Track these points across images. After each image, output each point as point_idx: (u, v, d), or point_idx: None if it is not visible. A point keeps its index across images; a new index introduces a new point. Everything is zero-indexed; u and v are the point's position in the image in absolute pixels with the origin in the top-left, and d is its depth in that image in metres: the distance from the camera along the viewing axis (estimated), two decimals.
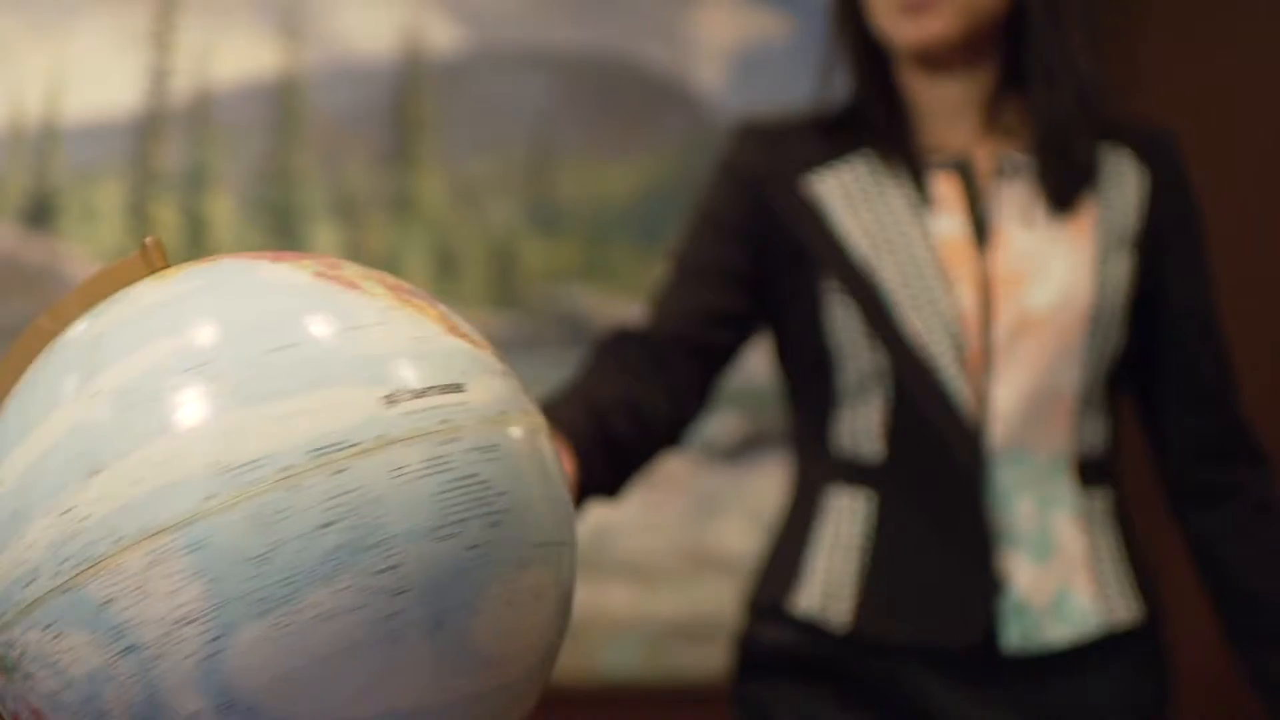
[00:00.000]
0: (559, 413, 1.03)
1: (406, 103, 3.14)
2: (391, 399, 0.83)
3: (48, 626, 0.82)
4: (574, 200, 3.17)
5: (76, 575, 0.81)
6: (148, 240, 0.92)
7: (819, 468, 1.73)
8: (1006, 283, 1.66)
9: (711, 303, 1.71)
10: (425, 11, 3.16)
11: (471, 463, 0.84)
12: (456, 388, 0.86)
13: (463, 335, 0.90)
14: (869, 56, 1.73)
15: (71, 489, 0.82)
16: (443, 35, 3.16)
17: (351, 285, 0.88)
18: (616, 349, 1.67)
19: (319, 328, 0.85)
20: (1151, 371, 1.75)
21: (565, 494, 0.93)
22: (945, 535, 1.67)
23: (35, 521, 0.82)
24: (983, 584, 1.64)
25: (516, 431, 0.88)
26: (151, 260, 0.92)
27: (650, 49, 3.22)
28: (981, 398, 1.65)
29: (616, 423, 1.55)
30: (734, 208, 1.74)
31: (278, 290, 0.87)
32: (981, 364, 1.65)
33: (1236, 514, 1.73)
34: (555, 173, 3.20)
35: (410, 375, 0.85)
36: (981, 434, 1.65)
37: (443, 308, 0.92)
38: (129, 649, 0.80)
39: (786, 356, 1.77)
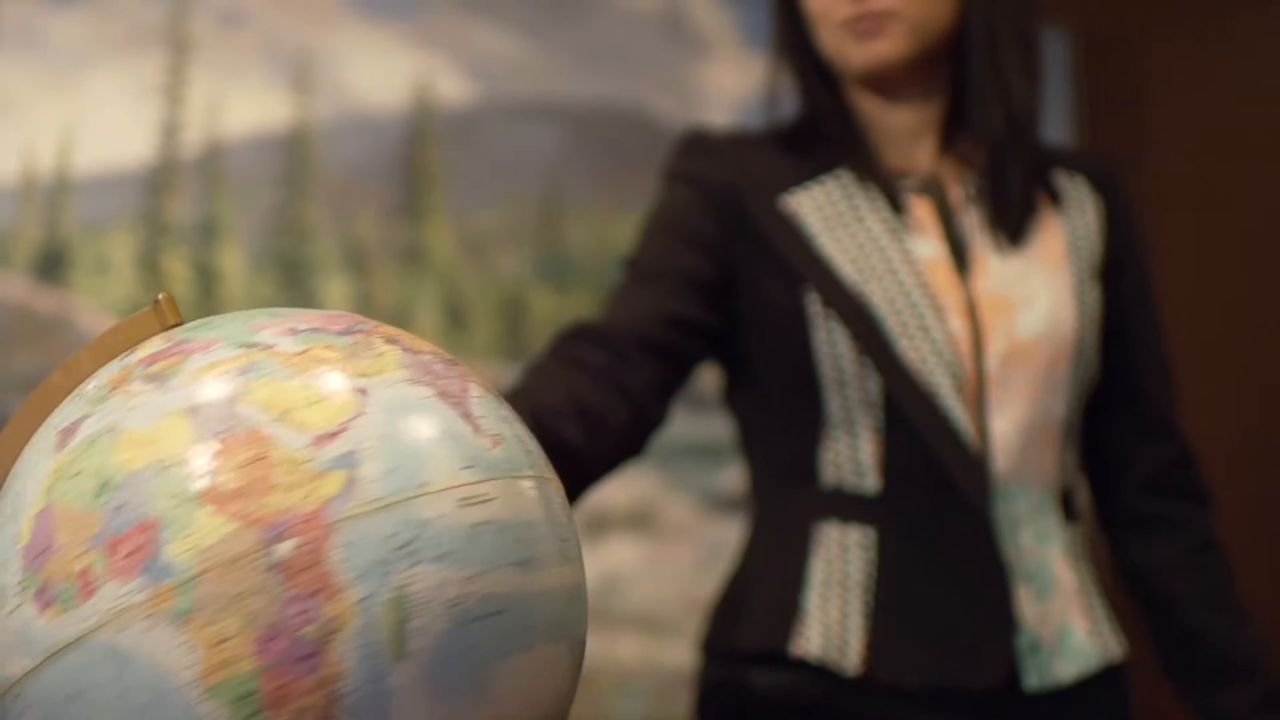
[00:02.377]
0: None
1: (416, 155, 3.15)
2: None
3: None
4: (583, 251, 3.18)
5: None
6: (160, 296, 0.93)
7: (800, 502, 1.64)
8: (993, 310, 1.61)
9: (675, 308, 1.60)
10: (435, 64, 3.18)
11: None
12: None
13: None
14: (819, 78, 1.71)
15: None
16: (452, 88, 3.18)
17: None
18: (569, 348, 1.52)
19: None
20: (1102, 400, 1.73)
21: None
22: (956, 572, 1.59)
23: None
24: (1002, 622, 1.58)
25: None
26: (164, 316, 0.93)
27: (659, 100, 3.24)
28: (980, 428, 1.59)
29: (566, 430, 1.40)
30: (701, 218, 1.65)
31: None
32: (976, 393, 1.59)
33: (1180, 549, 1.71)
34: (564, 224, 3.22)
35: None
36: (986, 466, 1.59)
37: None
38: None
39: (756, 382, 1.68)
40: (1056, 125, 3.59)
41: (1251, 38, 3.93)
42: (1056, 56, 3.67)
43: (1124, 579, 1.74)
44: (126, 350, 0.92)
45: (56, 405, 0.91)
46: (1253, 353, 3.80)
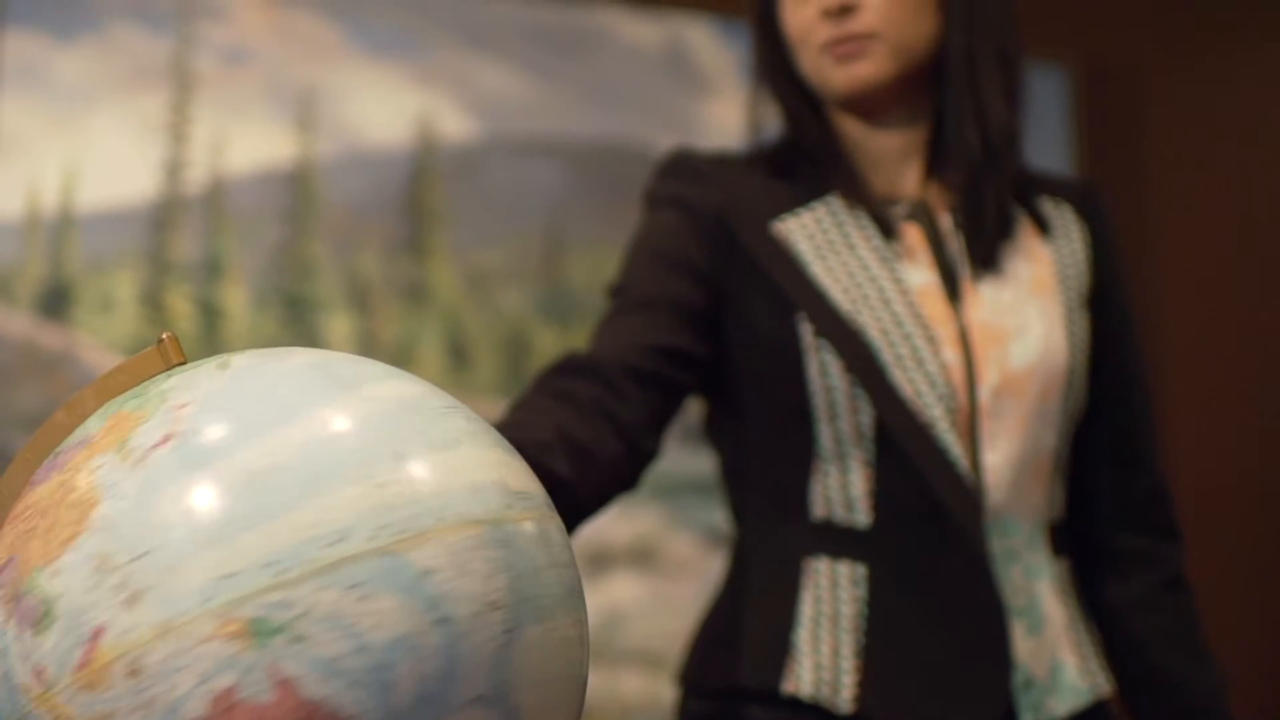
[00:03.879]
0: None
1: (419, 192, 3.16)
2: None
3: (353, 586, 0.81)
4: (586, 288, 3.18)
5: (397, 542, 0.83)
6: (164, 335, 0.93)
7: (789, 536, 1.59)
8: (985, 340, 1.57)
9: (665, 338, 1.54)
10: (438, 102, 3.19)
11: None
12: None
13: None
14: (803, 102, 1.69)
15: (382, 466, 0.85)
16: (455, 125, 3.19)
17: None
18: (556, 382, 1.45)
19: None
20: (1081, 430, 1.69)
21: None
22: (950, 609, 1.54)
23: (342, 490, 0.83)
24: (1000, 660, 1.53)
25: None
26: (168, 355, 0.93)
27: (661, 137, 3.25)
28: (973, 462, 1.55)
29: (556, 463, 1.31)
30: (689, 244, 1.61)
31: None
32: (969, 426, 1.55)
33: (1150, 587, 1.68)
34: (567, 261, 3.22)
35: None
36: (981, 500, 1.54)
37: None
38: (443, 620, 0.83)
39: (743, 412, 1.62)
40: (1057, 160, 3.60)
41: (1253, 74, 3.94)
42: (1057, 92, 3.67)
43: (1093, 613, 1.71)
44: (130, 389, 0.92)
45: (60, 444, 0.91)
46: (1255, 386, 3.80)
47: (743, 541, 1.66)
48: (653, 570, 3.15)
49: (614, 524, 3.12)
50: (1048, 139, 3.62)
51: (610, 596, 3.11)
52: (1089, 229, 1.72)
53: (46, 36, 2.97)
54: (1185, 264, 3.78)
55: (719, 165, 1.68)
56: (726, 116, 3.37)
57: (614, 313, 1.58)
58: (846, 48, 1.60)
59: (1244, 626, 3.54)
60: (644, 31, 3.37)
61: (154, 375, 0.93)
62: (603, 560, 3.12)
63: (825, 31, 1.61)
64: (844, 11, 1.59)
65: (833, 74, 1.62)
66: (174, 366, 0.93)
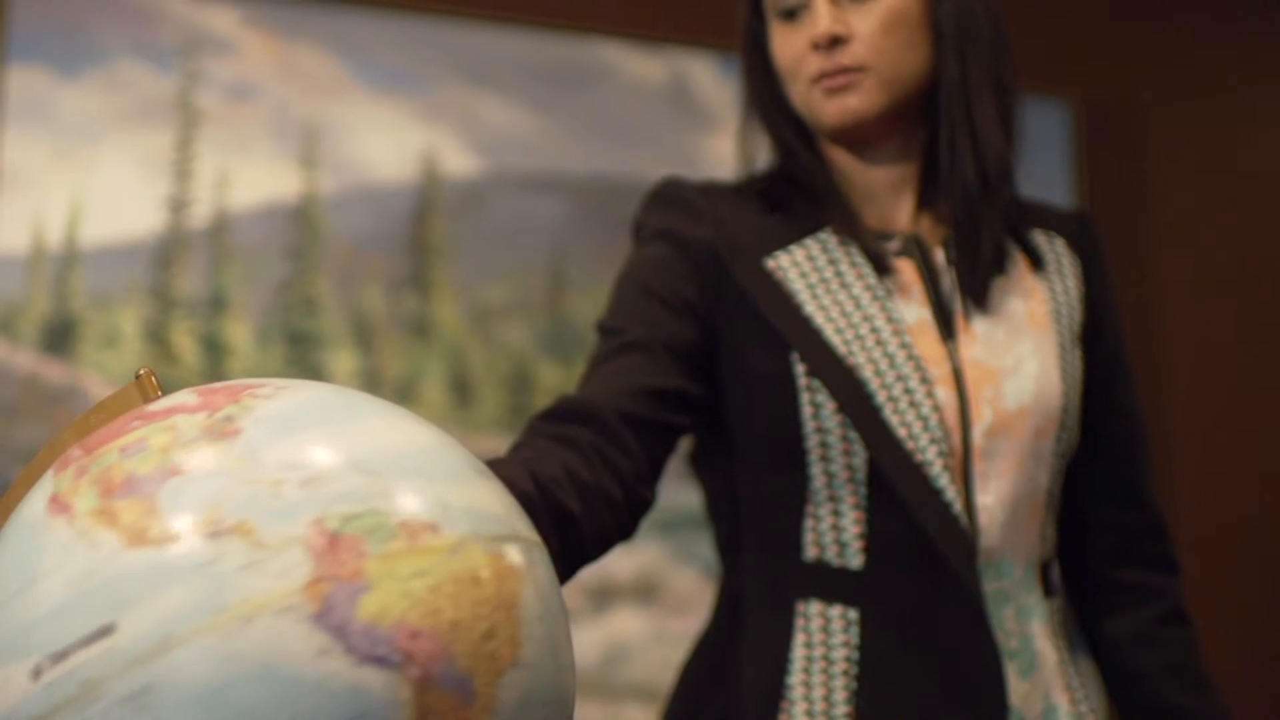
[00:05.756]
0: (494, 470, 0.94)
1: (423, 228, 3.17)
2: (37, 671, 0.76)
3: None
4: (588, 324, 3.18)
5: None
6: (141, 371, 0.93)
7: (781, 577, 1.55)
8: (979, 379, 1.55)
9: (660, 381, 1.48)
10: (441, 138, 3.20)
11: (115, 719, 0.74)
12: (104, 631, 0.75)
13: (157, 539, 0.78)
14: (795, 135, 1.67)
15: None
16: (459, 161, 3.20)
17: (63, 509, 0.81)
18: (555, 427, 1.39)
19: (3, 591, 0.79)
20: (1076, 466, 1.67)
21: (319, 674, 0.76)
22: (944, 653, 1.50)
23: None
24: (994, 704, 1.49)
25: (196, 647, 0.74)
26: (146, 391, 0.93)
27: (663, 172, 3.25)
28: (967, 503, 1.52)
29: (564, 496, 1.25)
30: (681, 279, 1.57)
31: (5, 543, 0.83)
32: (962, 467, 1.52)
33: (1150, 620, 1.67)
34: (570, 296, 3.22)
35: (56, 634, 0.76)
36: (976, 542, 1.51)
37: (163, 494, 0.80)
38: None
39: (734, 450, 1.59)
40: (1057, 194, 3.60)
41: (1251, 108, 3.94)
42: (1058, 126, 3.67)
43: (1091, 648, 1.69)
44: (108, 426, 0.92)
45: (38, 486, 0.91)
46: (1256, 417, 3.79)
47: (732, 581, 1.63)
48: (655, 605, 3.14)
49: (616, 559, 3.11)
50: (1048, 173, 3.62)
51: (612, 631, 3.10)
52: (1082, 262, 1.70)
53: (51, 72, 2.98)
54: (1185, 297, 3.77)
55: (709, 196, 1.65)
56: (729, 152, 3.37)
57: (606, 354, 1.53)
58: (836, 80, 1.58)
59: (1244, 657, 3.52)
60: (646, 67, 3.38)
61: (133, 409, 0.92)
62: (605, 595, 3.11)
63: (815, 64, 1.59)
64: (834, 43, 1.58)
65: (823, 107, 1.60)
66: (151, 401, 0.93)
